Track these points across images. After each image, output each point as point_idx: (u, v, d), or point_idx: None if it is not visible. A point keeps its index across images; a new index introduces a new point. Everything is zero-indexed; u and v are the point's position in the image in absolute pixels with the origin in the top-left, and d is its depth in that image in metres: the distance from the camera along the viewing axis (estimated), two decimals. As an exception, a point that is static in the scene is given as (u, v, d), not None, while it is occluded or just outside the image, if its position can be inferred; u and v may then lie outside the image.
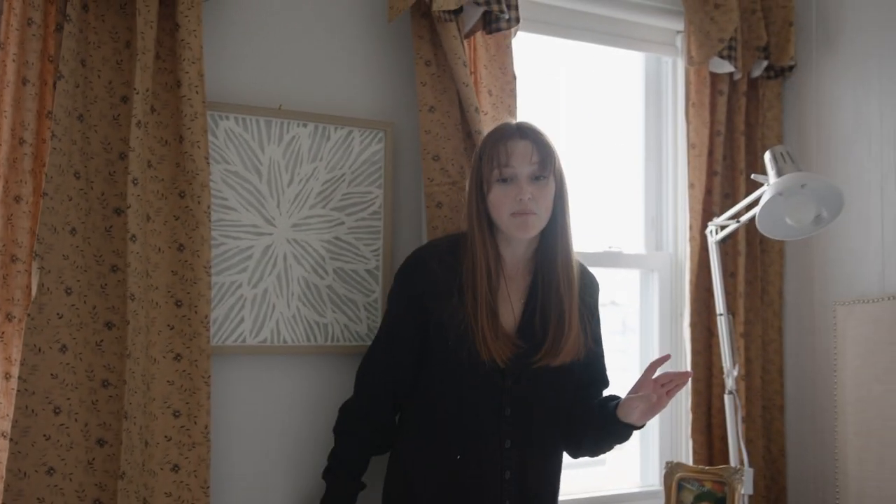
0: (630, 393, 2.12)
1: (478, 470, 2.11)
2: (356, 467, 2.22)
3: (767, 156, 2.51)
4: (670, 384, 2.09)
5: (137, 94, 2.06)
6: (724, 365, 2.79)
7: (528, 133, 2.09)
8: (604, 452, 2.28)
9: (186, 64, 2.14)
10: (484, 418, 2.11)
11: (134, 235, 2.05)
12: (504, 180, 2.06)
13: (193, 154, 2.15)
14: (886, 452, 2.65)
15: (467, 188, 2.18)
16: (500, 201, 2.05)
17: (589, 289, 2.26)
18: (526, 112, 2.73)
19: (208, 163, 2.17)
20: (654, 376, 2.12)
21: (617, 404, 2.13)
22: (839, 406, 2.83)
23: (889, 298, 2.71)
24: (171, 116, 2.18)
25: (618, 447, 2.26)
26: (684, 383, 2.12)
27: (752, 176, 2.59)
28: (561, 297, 2.11)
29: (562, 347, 2.10)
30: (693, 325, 2.96)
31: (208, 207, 2.16)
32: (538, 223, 2.08)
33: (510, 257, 2.16)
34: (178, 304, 2.15)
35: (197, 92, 2.15)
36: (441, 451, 2.13)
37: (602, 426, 2.17)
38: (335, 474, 2.21)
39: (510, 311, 2.13)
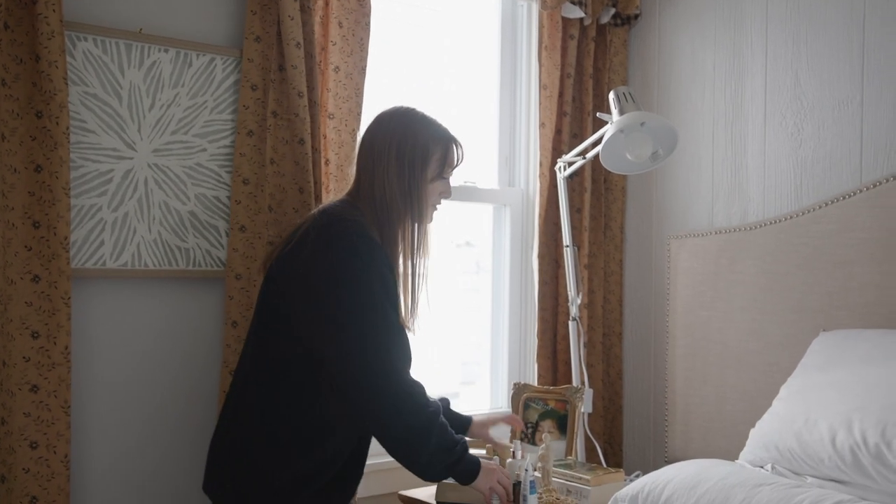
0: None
1: None
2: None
3: (611, 95, 2.69)
4: None
5: (-9, 9, 2.02)
6: (569, 293, 2.98)
7: None
8: None
9: (42, -20, 2.10)
10: None
11: (-11, 154, 2.02)
12: (446, 178, 2.19)
13: (51, 74, 2.12)
14: (709, 372, 2.93)
15: (403, 173, 2.11)
16: (439, 193, 2.18)
17: None
18: (379, 46, 2.81)
19: (67, 83, 2.15)
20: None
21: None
22: (670, 332, 3.09)
23: (715, 233, 2.97)
24: (26, 34, 2.13)
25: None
26: None
27: (598, 114, 2.77)
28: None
29: None
30: (541, 257, 3.14)
31: (67, 128, 2.14)
32: None
33: None
34: (36, 225, 2.14)
35: (54, 10, 2.12)
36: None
37: None
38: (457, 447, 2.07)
39: None
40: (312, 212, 2.18)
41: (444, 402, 2.44)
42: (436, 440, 1.99)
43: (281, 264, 2.07)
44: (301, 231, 2.06)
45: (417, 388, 2.00)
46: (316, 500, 2.07)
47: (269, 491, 2.02)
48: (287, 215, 2.50)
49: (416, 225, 2.14)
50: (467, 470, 2.08)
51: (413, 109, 2.20)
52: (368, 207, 2.10)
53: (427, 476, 2.05)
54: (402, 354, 2.01)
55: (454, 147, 2.18)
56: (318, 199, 2.53)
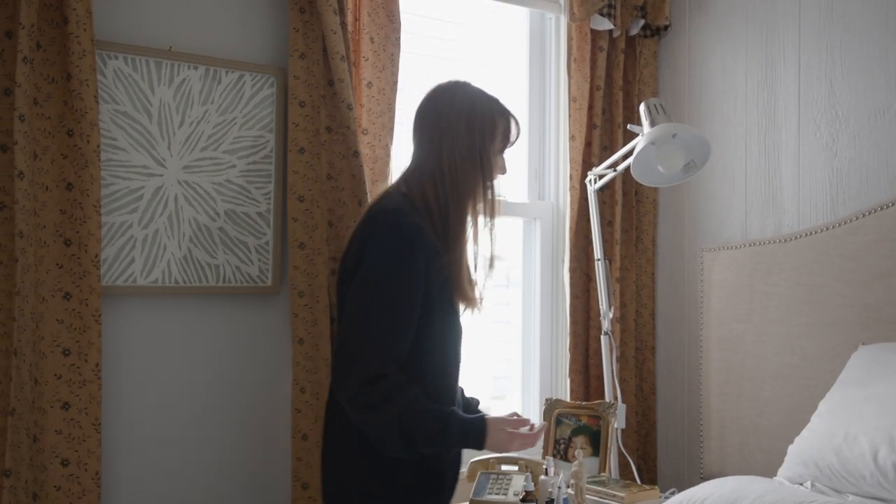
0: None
1: None
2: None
3: (642, 107, 2.66)
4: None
5: (23, 28, 2.03)
6: (600, 307, 2.95)
7: None
8: None
9: (73, 0, 2.11)
10: (456, 374, 2.13)
11: (21, 172, 2.02)
12: (502, 153, 2.15)
13: (82, 92, 2.13)
14: (744, 386, 2.88)
15: (473, 143, 2.05)
16: (498, 167, 2.13)
17: None
18: (409, 61, 2.80)
19: (97, 101, 2.16)
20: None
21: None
22: (704, 345, 3.04)
23: (749, 245, 2.92)
24: (58, 53, 2.15)
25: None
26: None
27: (628, 126, 2.74)
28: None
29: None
30: (572, 271, 3.11)
31: (98, 146, 2.16)
32: None
33: None
34: (68, 243, 2.14)
35: (85, 29, 2.13)
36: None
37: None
38: (447, 425, 1.94)
39: None
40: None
41: (474, 401, 2.37)
42: (405, 440, 1.90)
43: (341, 270, 2.07)
44: (354, 234, 2.07)
45: (378, 396, 1.88)
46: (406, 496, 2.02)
47: (355, 489, 2.00)
48: (349, 230, 2.50)
49: (490, 193, 2.09)
50: (470, 445, 1.99)
51: (471, 83, 2.16)
52: (432, 182, 2.04)
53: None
54: (371, 357, 1.89)
55: (513, 123, 2.15)
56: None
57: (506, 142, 2.13)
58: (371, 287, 1.93)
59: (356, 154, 2.49)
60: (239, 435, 2.47)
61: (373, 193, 2.63)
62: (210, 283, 2.42)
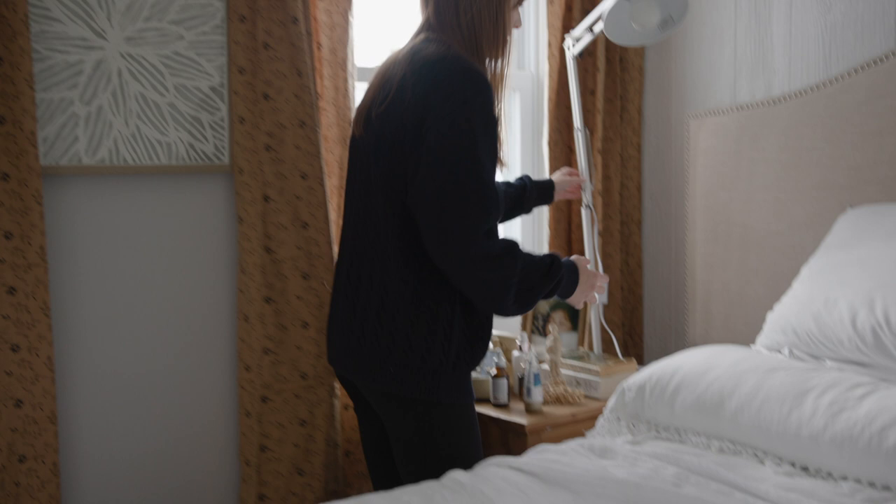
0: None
1: None
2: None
3: (615, -41, 2.48)
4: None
5: None
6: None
7: None
8: None
9: None
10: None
11: (-60, 44, 1.91)
12: (516, 7, 2.05)
13: (4, -43, 1.99)
14: (730, 256, 2.77)
15: (482, 4, 1.93)
16: (513, 23, 2.03)
17: None
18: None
19: (21, -33, 2.01)
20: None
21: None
22: (689, 216, 2.93)
23: (737, 109, 2.77)
24: (-26, -86, 2.00)
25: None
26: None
27: (602, -18, 2.56)
28: None
29: None
30: (553, 143, 2.98)
31: (25, 16, 2.02)
32: None
33: None
34: (1, 120, 2.03)
35: None
36: None
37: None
38: (549, 266, 1.93)
39: None
40: (396, 58, 1.97)
41: (526, 177, 2.50)
42: (520, 290, 1.87)
43: (382, 121, 1.91)
44: (396, 81, 1.90)
45: (499, 248, 1.83)
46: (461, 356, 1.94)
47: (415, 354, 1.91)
48: (289, 103, 2.38)
49: (503, 50, 2.00)
50: (562, 293, 2.01)
51: None
52: (453, 37, 1.94)
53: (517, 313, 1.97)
54: (486, 209, 1.81)
55: None
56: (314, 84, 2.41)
57: None
58: (470, 134, 1.81)
59: (295, 21, 2.33)
60: (196, 312, 2.40)
61: (331, 62, 2.49)
62: (161, 161, 2.32)
